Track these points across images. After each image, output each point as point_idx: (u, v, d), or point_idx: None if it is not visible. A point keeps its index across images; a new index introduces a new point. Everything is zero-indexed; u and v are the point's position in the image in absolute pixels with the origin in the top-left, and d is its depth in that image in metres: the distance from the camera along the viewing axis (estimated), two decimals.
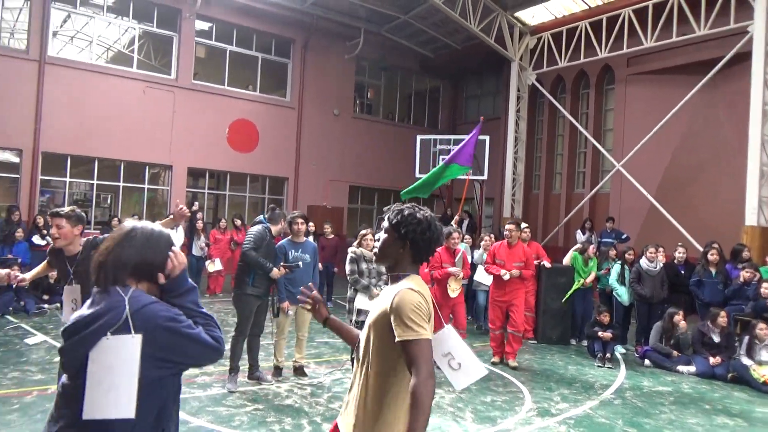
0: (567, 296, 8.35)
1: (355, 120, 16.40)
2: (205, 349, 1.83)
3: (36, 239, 9.97)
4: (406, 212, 2.15)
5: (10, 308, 8.63)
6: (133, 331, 1.70)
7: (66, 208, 3.86)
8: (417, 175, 14.35)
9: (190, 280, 1.94)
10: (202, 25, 14.19)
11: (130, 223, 1.95)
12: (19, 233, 9.65)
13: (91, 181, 13.08)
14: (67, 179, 12.78)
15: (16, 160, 12.08)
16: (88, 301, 1.83)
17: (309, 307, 2.39)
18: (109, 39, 13.97)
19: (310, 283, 2.41)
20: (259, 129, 14.65)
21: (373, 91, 17.78)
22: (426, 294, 2.05)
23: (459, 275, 6.95)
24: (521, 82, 14.61)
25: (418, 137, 14.38)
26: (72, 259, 3.77)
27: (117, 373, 1.68)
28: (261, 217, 6.07)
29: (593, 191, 13.84)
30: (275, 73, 15.58)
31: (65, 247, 3.78)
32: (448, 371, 2.40)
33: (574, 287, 8.34)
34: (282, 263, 5.80)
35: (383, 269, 6.68)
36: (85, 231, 11.07)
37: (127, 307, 1.73)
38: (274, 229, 5.91)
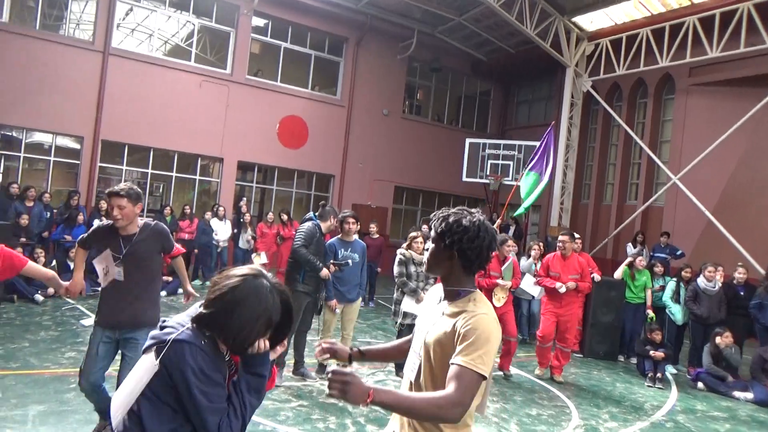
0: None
1: (403, 120, 16.37)
2: (200, 426, 1.67)
3: (97, 222, 10.30)
4: (451, 219, 1.98)
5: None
6: (157, 358, 1.65)
7: (123, 186, 3.65)
8: (464, 178, 14.25)
9: (267, 372, 1.81)
10: (258, 21, 14.41)
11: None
12: (80, 217, 10.00)
13: (145, 170, 13.45)
14: (124, 167, 13.18)
15: (78, 146, 12.53)
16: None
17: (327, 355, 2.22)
18: (168, 32, 14.35)
19: (324, 345, 2.21)
20: (309, 126, 14.78)
21: (423, 93, 17.72)
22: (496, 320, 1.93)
23: (507, 285, 6.80)
24: (575, 88, 14.29)
25: (468, 140, 14.23)
26: (127, 239, 3.63)
27: (129, 385, 1.71)
28: (311, 214, 6.10)
29: (646, 204, 13.42)
30: (327, 71, 15.69)
31: (125, 227, 3.65)
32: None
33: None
34: (332, 261, 5.81)
35: None
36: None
37: (176, 334, 1.67)
38: (324, 226, 5.92)
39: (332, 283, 5.91)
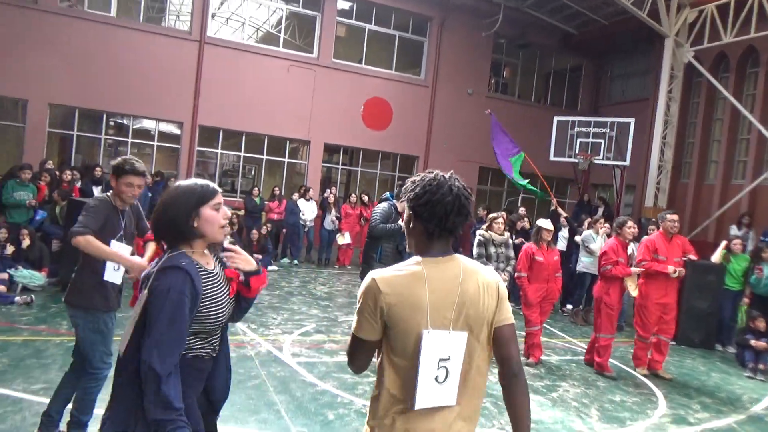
0: None
1: (488, 99, 16.02)
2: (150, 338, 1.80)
3: (91, 201, 10.96)
4: (407, 181, 1.88)
5: None
6: (146, 289, 1.88)
7: (140, 163, 3.44)
8: (552, 158, 13.79)
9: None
10: (343, 4, 14.59)
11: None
12: None
13: (238, 153, 14.13)
14: (219, 151, 13.91)
15: (178, 132, 13.37)
16: None
17: None
18: (259, 20, 14.87)
19: None
20: (393, 107, 14.85)
21: (510, 70, 17.22)
22: None
23: (638, 272, 6.21)
24: (675, 60, 13.32)
25: (555, 118, 13.72)
26: (121, 215, 3.44)
27: (131, 318, 1.92)
28: (388, 194, 6.15)
29: (755, 183, 12.35)
30: (411, 52, 15.64)
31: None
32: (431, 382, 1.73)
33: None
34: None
35: (512, 254, 6.54)
36: (230, 199, 11.96)
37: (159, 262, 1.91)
38: (400, 206, 5.95)
39: None
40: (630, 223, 6.32)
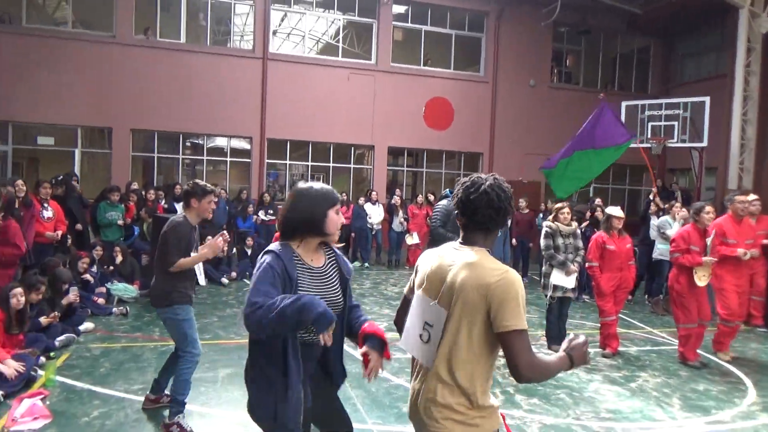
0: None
1: (552, 90, 15.71)
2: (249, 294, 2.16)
3: (261, 214, 11.51)
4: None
5: (246, 272, 10.13)
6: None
7: (206, 184, 3.99)
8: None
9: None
10: (398, 9, 14.76)
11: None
12: (250, 209, 11.24)
13: (306, 163, 14.58)
14: (287, 162, 14.42)
15: (248, 146, 13.98)
16: None
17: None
18: (318, 32, 15.30)
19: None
20: (454, 105, 14.83)
21: (573, 58, 16.77)
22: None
23: (711, 262, 5.88)
24: (752, 31, 12.52)
25: (623, 103, 13.24)
26: (195, 230, 4.04)
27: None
28: (446, 191, 6.24)
29: None
30: (469, 49, 15.58)
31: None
32: (416, 338, 2.13)
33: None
34: None
35: (580, 244, 6.43)
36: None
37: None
38: None
39: None
40: (708, 208, 5.99)
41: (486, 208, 2.05)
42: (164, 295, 3.87)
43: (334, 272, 2.43)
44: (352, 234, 12.31)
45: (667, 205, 8.98)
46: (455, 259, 2.06)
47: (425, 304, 2.10)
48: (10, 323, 4.67)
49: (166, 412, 3.98)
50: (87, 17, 13.38)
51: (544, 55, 15.62)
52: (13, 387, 4.23)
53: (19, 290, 4.74)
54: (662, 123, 12.49)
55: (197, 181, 4.10)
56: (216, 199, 4.12)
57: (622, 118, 13.02)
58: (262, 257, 2.29)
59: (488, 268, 1.98)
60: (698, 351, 6.08)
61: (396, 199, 12.31)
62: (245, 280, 9.87)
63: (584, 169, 8.85)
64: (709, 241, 6.03)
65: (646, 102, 13.06)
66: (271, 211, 11.71)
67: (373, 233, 12.30)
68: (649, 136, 12.62)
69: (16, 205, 5.64)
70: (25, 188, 6.28)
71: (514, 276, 1.96)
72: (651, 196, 8.36)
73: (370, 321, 2.52)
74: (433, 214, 6.02)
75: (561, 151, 8.83)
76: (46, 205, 6.98)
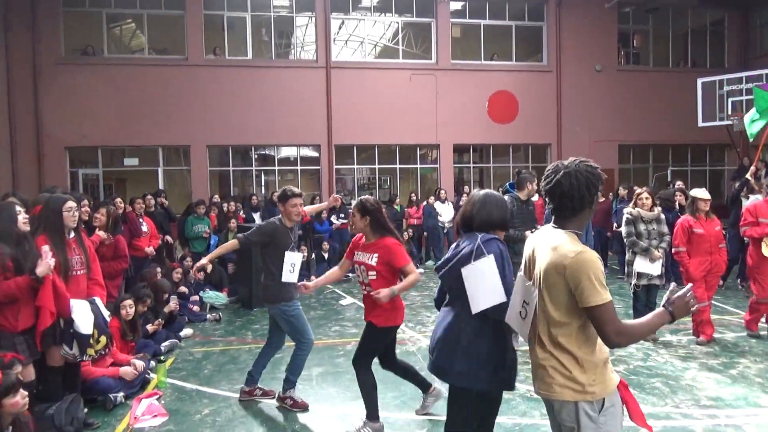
0: None
1: (620, 73, 15.20)
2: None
3: (333, 219, 11.81)
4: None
5: None
6: (485, 254, 2.60)
7: (293, 188, 4.47)
8: (700, 123, 12.76)
9: None
10: (455, 5, 14.74)
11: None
12: (324, 214, 11.55)
13: (373, 166, 14.81)
14: (355, 166, 14.70)
15: (316, 154, 14.36)
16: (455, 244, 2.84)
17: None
18: (376, 36, 15.51)
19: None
20: (519, 98, 14.65)
21: (641, 38, 16.14)
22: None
23: None
24: None
25: (699, 80, 12.68)
26: (292, 231, 4.47)
27: (486, 280, 2.57)
28: (508, 184, 6.20)
29: None
30: (530, 39, 15.34)
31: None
32: (517, 315, 2.37)
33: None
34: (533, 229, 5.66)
35: (665, 230, 6.23)
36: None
37: (479, 240, 2.66)
38: (523, 194, 5.92)
39: None
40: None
41: (566, 193, 2.16)
42: (273, 293, 4.32)
43: None
44: (425, 233, 12.41)
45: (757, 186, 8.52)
46: (546, 242, 2.21)
47: (523, 284, 2.33)
48: (124, 331, 5.09)
49: (265, 403, 4.44)
50: (160, 43, 14.19)
51: (610, 38, 15.15)
52: (131, 389, 4.61)
53: (129, 301, 5.15)
54: (743, 97, 11.87)
55: (286, 187, 4.52)
56: (300, 202, 4.46)
57: (699, 96, 12.48)
58: (492, 246, 2.64)
59: (566, 249, 2.10)
60: None
61: (464, 198, 12.30)
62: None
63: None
64: None
65: (725, 77, 12.46)
66: (343, 215, 11.99)
67: (445, 231, 12.35)
68: (729, 112, 12.00)
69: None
70: (123, 206, 6.79)
71: (589, 255, 2.06)
72: (749, 176, 7.90)
73: None
74: None
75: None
76: (141, 220, 7.49)
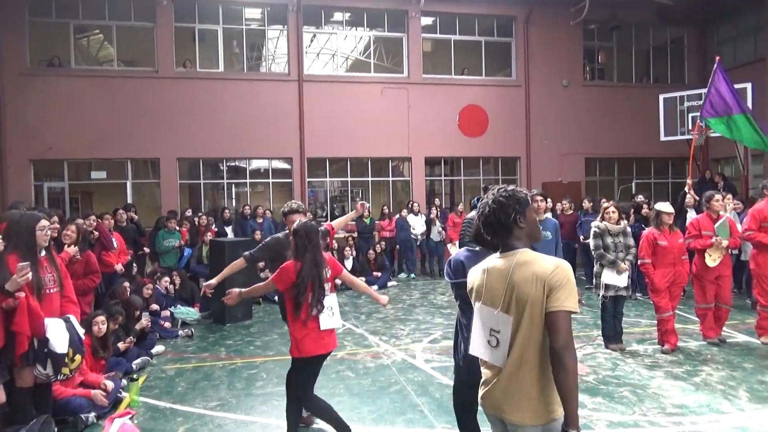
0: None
1: (586, 88, 15.63)
2: None
3: (271, 237, 11.78)
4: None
5: None
6: None
7: (294, 203, 4.45)
8: (662, 138, 13.19)
9: None
10: (426, 20, 14.97)
11: None
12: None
13: (345, 179, 14.86)
14: (327, 179, 14.73)
15: (288, 166, 14.34)
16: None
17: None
18: (348, 49, 15.63)
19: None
20: (488, 112, 14.92)
21: (605, 54, 16.63)
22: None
23: (722, 245, 6.29)
24: None
25: (661, 96, 13.12)
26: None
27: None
28: (476, 199, 6.34)
29: None
30: (499, 54, 15.66)
31: None
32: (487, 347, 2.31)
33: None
34: None
35: (631, 242, 6.44)
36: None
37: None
38: None
39: None
40: (717, 196, 6.54)
41: (501, 220, 2.29)
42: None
43: None
44: (397, 246, 12.49)
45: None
46: (509, 266, 2.24)
47: (488, 314, 2.29)
48: (95, 348, 5.00)
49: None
50: (130, 55, 14.04)
51: (576, 54, 15.58)
52: (103, 409, 4.53)
53: (101, 318, 5.07)
54: None
55: (290, 201, 4.58)
56: (301, 218, 4.20)
57: (661, 111, 12.91)
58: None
59: (542, 261, 2.19)
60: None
61: (434, 211, 12.44)
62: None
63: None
64: (717, 225, 6.37)
65: (685, 93, 12.92)
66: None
67: (418, 244, 12.46)
68: (690, 127, 12.43)
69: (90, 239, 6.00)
70: (95, 223, 6.69)
71: (567, 265, 2.19)
72: (686, 188, 8.39)
73: None
74: (462, 227, 6.10)
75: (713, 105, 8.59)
76: (110, 236, 7.37)
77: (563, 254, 10.68)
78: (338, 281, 4.48)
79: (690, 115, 12.49)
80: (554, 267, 2.15)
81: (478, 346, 2.36)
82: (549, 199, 10.38)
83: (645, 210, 9.07)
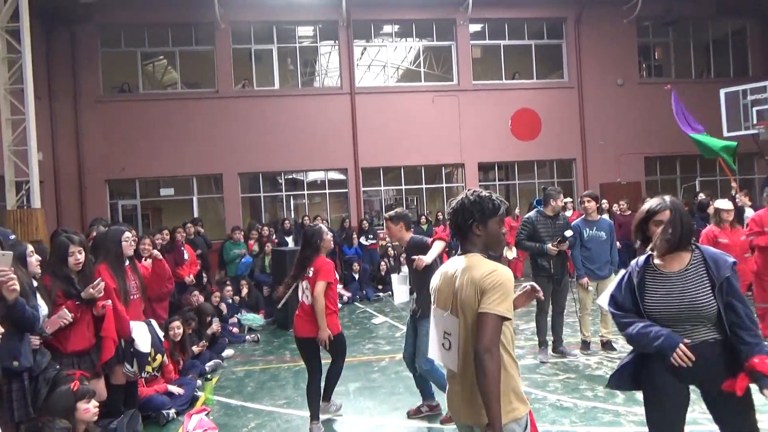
0: None
1: (642, 86, 15.28)
2: None
3: (363, 240, 12.12)
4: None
5: (356, 296, 10.70)
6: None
7: (392, 212, 4.70)
8: (726, 134, 12.75)
9: None
10: (475, 27, 15.08)
11: None
12: (354, 238, 11.85)
13: (399, 187, 15.10)
14: (382, 188, 15.02)
15: (343, 177, 14.72)
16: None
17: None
18: (398, 60, 15.92)
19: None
20: (541, 115, 14.83)
21: (661, 50, 16.23)
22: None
23: None
24: None
25: (722, 90, 12.71)
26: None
27: None
28: (534, 201, 6.47)
29: None
30: (550, 56, 15.55)
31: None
32: (440, 347, 2.32)
33: None
34: (557, 241, 5.85)
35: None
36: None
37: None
38: (549, 209, 6.12)
39: (581, 262, 6.14)
40: None
41: (459, 223, 2.31)
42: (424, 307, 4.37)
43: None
44: (452, 250, 12.58)
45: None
46: (456, 269, 2.27)
47: (440, 316, 2.32)
48: (173, 350, 5.41)
49: (305, 417, 4.57)
50: (192, 78, 14.84)
51: (630, 52, 15.28)
52: (181, 405, 4.90)
53: (177, 323, 5.49)
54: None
55: (399, 208, 4.90)
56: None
57: (722, 105, 12.50)
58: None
59: (479, 267, 2.19)
60: None
61: None
62: (355, 303, 10.42)
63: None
64: None
65: (748, 86, 12.45)
66: (371, 236, 12.30)
67: None
68: (755, 121, 11.99)
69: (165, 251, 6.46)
70: (168, 237, 7.20)
71: (505, 271, 2.16)
72: (733, 192, 8.11)
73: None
74: (519, 226, 6.26)
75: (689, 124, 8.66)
76: (182, 249, 7.87)
77: (622, 252, 10.59)
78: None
79: (754, 108, 12.05)
80: (489, 272, 2.14)
81: (434, 350, 2.38)
82: (605, 201, 10.26)
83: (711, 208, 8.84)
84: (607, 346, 6.30)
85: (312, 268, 4.42)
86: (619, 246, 10.72)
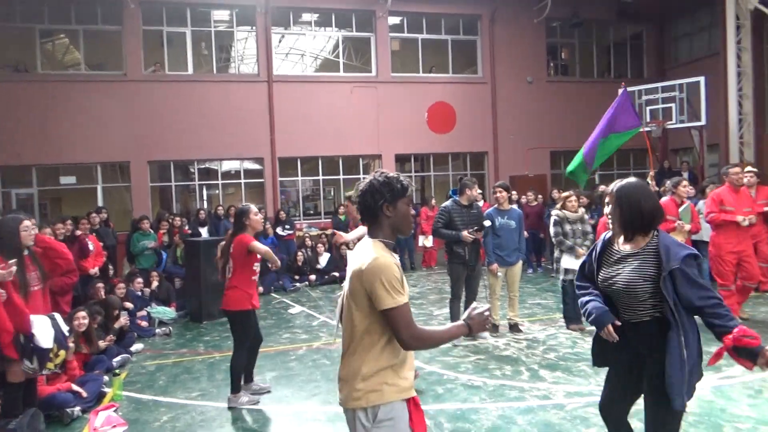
0: None
1: (550, 84, 16.10)
2: None
3: (279, 230, 11.98)
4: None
5: (272, 287, 10.58)
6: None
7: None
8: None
9: None
10: (394, 20, 15.24)
11: None
12: (268, 228, 11.66)
13: (317, 177, 15.05)
14: (299, 178, 14.89)
15: (259, 167, 14.46)
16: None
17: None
18: (317, 50, 15.81)
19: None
20: (456, 108, 15.27)
21: (567, 51, 17.17)
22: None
23: (685, 229, 6.48)
24: (740, 8, 12.88)
25: (620, 90, 13.59)
26: None
27: None
28: (451, 191, 6.75)
29: None
30: (465, 52, 16.03)
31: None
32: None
33: None
34: (472, 229, 6.13)
35: (588, 229, 6.81)
36: (315, 221, 12.76)
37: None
38: (464, 198, 6.39)
39: (492, 249, 6.45)
40: (684, 182, 6.75)
41: (361, 204, 2.25)
42: None
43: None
44: None
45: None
46: (355, 253, 2.25)
47: (341, 297, 2.31)
48: (77, 344, 5.14)
49: (223, 408, 4.67)
50: (97, 59, 13.98)
51: (539, 51, 16.04)
52: (87, 403, 4.68)
53: (82, 314, 5.22)
54: (660, 106, 12.87)
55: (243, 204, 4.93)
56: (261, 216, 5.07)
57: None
58: None
59: (365, 256, 2.14)
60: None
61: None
62: (272, 294, 10.32)
63: (598, 156, 9.16)
64: (681, 210, 6.57)
65: (643, 87, 13.42)
66: (288, 227, 12.20)
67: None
68: (648, 119, 12.97)
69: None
70: (71, 227, 6.79)
71: (382, 260, 2.09)
72: (648, 179, 8.80)
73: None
74: (436, 215, 6.49)
75: (589, 145, 9.07)
76: (87, 239, 7.46)
77: (528, 242, 11.14)
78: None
79: (648, 108, 13.02)
80: (365, 267, 2.09)
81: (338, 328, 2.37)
82: (514, 192, 10.75)
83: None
84: (514, 328, 6.68)
85: (232, 246, 4.72)
86: (526, 235, 11.39)
